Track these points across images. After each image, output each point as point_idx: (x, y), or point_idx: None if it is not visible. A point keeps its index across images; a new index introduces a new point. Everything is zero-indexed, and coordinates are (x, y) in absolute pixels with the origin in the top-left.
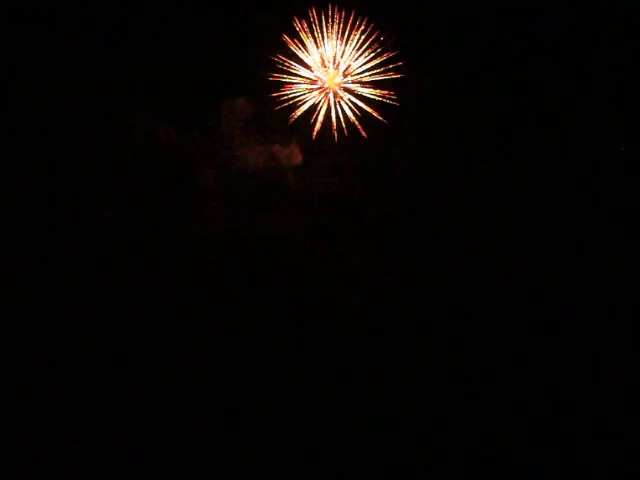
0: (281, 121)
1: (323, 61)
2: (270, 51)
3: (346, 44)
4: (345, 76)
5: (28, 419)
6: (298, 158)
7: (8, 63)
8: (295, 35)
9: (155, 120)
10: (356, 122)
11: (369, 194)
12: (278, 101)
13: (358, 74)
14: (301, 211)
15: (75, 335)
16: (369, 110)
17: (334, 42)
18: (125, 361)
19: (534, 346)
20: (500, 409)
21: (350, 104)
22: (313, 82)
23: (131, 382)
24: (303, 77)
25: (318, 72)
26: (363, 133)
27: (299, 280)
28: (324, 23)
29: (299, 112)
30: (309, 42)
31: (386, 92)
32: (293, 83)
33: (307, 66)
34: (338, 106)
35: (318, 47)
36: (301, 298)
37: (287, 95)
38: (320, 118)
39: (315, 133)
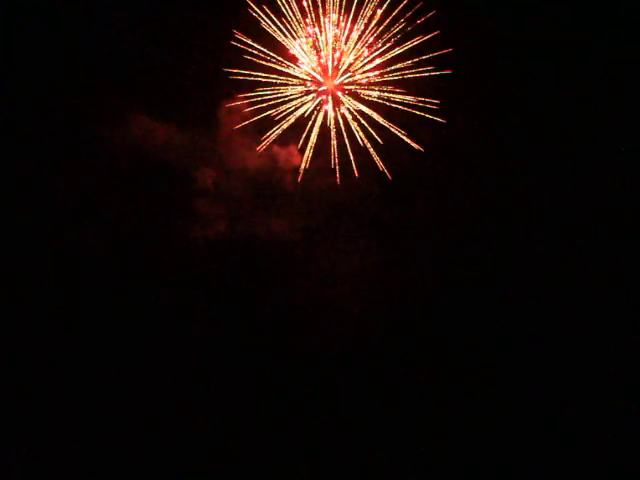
0: (280, 123)
1: (318, 50)
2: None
3: (354, 21)
4: (352, 74)
5: (28, 419)
6: (297, 159)
7: (7, 64)
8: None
9: (154, 121)
10: (374, 155)
11: (368, 195)
12: (260, 107)
13: (371, 70)
14: (300, 212)
15: (75, 335)
16: (394, 129)
17: (334, 17)
18: (125, 361)
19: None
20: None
21: (358, 115)
22: (302, 82)
23: (130, 382)
24: (289, 75)
25: (308, 67)
26: (387, 173)
27: (298, 280)
28: None
29: (282, 126)
30: (292, 18)
31: (418, 101)
32: (272, 84)
33: (292, 57)
34: (340, 120)
35: (306, 25)
36: (300, 298)
37: (269, 99)
38: (312, 141)
39: (301, 173)
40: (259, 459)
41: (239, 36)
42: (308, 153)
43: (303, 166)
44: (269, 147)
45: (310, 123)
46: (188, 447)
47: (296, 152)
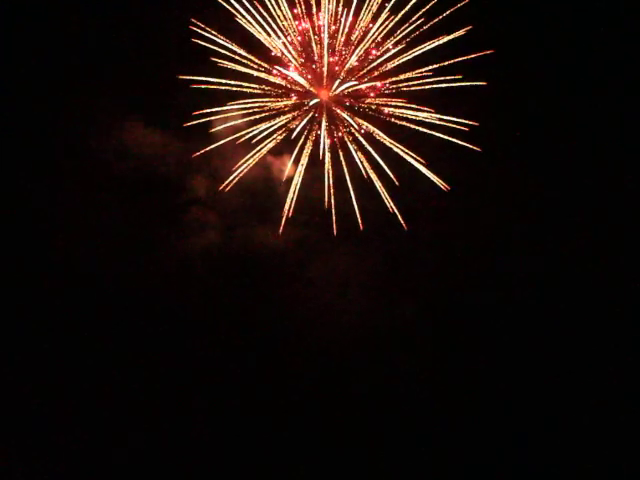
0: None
1: (309, 52)
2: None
3: (356, 15)
4: (354, 83)
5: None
6: (291, 169)
7: (5, 71)
8: None
9: (148, 130)
10: (383, 195)
11: (363, 205)
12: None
13: (379, 79)
14: (293, 221)
15: (71, 343)
16: (408, 156)
17: (331, 9)
18: (121, 367)
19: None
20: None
21: (361, 138)
22: (286, 92)
23: (126, 388)
24: (271, 84)
25: (297, 73)
26: (402, 222)
27: (292, 289)
28: None
29: (257, 154)
30: (277, 10)
31: (444, 120)
32: (249, 95)
33: (275, 59)
34: (336, 139)
35: (295, 19)
36: (294, 306)
37: (247, 114)
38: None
39: (295, 182)
40: (257, 462)
41: (206, 33)
42: (301, 169)
43: (297, 178)
44: (262, 158)
45: (303, 138)
46: (187, 452)
47: (290, 162)
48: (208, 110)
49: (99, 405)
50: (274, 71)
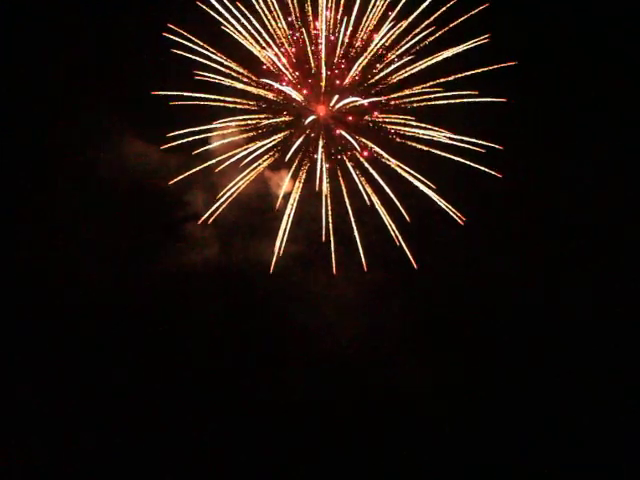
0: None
1: (305, 64)
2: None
3: (357, 24)
4: (355, 99)
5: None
6: (288, 184)
7: (4, 84)
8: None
9: (145, 144)
10: (392, 231)
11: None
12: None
13: (383, 94)
14: (290, 237)
15: (71, 343)
16: (419, 183)
17: (328, 15)
18: (121, 368)
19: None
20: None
21: (364, 161)
22: (280, 109)
23: (126, 388)
24: (261, 100)
25: (290, 87)
26: (412, 260)
27: (290, 304)
28: None
29: (248, 178)
30: (268, 16)
31: (460, 141)
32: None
33: (267, 72)
34: (338, 173)
35: (290, 27)
36: (292, 321)
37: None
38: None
39: (293, 198)
40: (257, 462)
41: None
42: (298, 185)
43: (295, 194)
44: (260, 173)
45: (299, 158)
46: (187, 452)
47: (288, 177)
48: (188, 130)
49: (99, 405)
50: (266, 85)
